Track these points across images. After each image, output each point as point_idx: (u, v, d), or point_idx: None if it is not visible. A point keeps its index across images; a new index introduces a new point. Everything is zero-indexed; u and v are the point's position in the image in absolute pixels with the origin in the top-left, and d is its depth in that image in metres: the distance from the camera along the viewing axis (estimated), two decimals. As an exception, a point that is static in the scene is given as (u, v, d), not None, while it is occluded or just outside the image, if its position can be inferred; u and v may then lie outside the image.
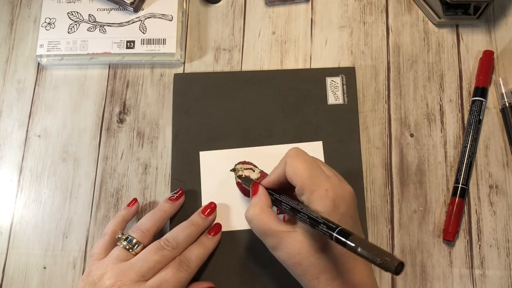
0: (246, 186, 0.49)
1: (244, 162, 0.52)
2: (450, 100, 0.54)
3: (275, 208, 0.44)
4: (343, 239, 0.33)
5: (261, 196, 0.44)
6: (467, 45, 0.56)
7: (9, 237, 0.53)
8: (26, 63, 0.59)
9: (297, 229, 0.40)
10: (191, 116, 0.54)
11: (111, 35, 0.57)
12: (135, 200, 0.51)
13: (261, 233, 0.42)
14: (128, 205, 0.50)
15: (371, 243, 0.32)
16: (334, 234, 0.34)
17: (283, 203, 0.42)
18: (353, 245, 0.32)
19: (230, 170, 0.52)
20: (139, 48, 0.56)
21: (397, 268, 0.29)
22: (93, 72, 0.58)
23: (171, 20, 0.57)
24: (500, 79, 0.54)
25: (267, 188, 0.45)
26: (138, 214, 0.52)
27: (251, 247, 0.49)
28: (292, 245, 0.40)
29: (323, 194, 0.39)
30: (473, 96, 0.53)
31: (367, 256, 0.31)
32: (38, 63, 0.58)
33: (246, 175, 0.51)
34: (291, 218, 0.43)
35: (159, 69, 0.57)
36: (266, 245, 0.42)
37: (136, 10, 0.57)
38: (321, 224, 0.36)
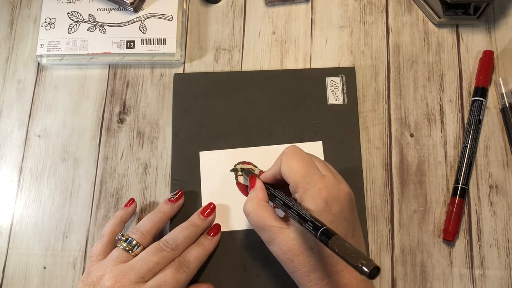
0: (246, 178, 0.49)
1: (244, 162, 0.52)
2: (450, 100, 0.54)
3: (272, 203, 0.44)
4: (325, 239, 0.34)
5: (258, 190, 0.44)
6: (467, 45, 0.56)
7: (9, 237, 0.53)
8: (26, 63, 0.59)
9: (291, 226, 0.40)
10: (191, 116, 0.54)
11: (111, 35, 0.57)
12: (132, 200, 0.51)
13: (256, 227, 0.42)
14: (126, 205, 0.50)
15: (351, 246, 0.32)
16: (318, 233, 0.35)
17: (277, 198, 0.42)
18: (333, 245, 0.33)
19: (230, 170, 0.52)
20: (139, 48, 0.56)
21: (372, 272, 0.30)
22: (93, 72, 0.58)
23: (171, 20, 0.57)
24: (500, 79, 0.54)
25: (264, 183, 0.45)
26: (138, 214, 0.52)
27: (251, 247, 0.49)
28: (284, 241, 0.40)
29: (315, 193, 0.39)
30: (473, 96, 0.53)
31: (344, 258, 0.32)
32: (38, 63, 0.58)
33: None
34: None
35: (159, 69, 0.57)
36: (262, 239, 0.43)
37: (136, 10, 0.57)
38: (308, 222, 0.36)
